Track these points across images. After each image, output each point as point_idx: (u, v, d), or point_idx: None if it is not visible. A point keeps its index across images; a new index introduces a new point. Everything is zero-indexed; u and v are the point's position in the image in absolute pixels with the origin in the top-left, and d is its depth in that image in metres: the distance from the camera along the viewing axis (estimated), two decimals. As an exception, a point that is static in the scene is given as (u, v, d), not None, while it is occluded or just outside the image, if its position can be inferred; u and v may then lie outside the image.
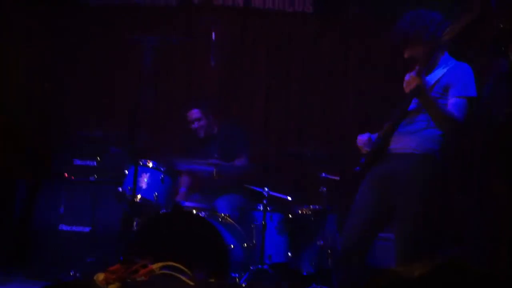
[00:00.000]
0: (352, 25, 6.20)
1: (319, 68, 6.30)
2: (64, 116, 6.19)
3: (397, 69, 4.35)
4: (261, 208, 4.81)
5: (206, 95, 6.20)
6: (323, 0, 6.23)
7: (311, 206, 5.03)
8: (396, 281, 1.63)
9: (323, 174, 5.03)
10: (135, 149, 4.69)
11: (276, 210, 4.91)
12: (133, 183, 4.32)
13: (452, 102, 3.31)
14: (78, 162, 5.36)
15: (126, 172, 4.75)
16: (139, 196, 4.61)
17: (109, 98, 6.35)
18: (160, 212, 4.66)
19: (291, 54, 6.35)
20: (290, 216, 4.97)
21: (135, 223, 4.68)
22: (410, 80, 3.27)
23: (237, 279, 4.32)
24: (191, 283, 3.41)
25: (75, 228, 5.16)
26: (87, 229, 5.12)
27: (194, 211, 4.62)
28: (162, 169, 4.74)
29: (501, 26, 4.11)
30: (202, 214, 4.56)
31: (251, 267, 4.58)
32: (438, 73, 3.41)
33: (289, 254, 4.86)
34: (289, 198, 4.94)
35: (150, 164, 4.74)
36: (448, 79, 3.37)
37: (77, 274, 4.63)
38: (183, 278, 3.40)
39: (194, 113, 5.45)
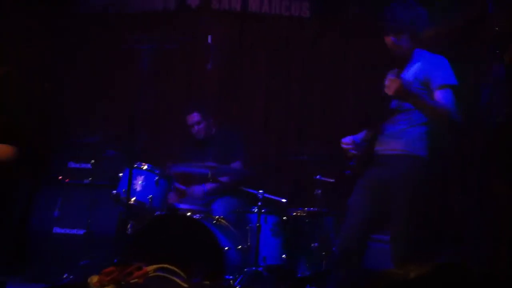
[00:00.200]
0: (352, 25, 6.17)
1: (319, 68, 6.29)
2: (64, 116, 6.23)
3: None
4: (256, 210, 4.81)
5: (206, 96, 6.22)
6: (320, 5, 6.21)
7: (306, 209, 5.02)
8: (395, 283, 1.63)
9: (318, 177, 5.03)
10: (133, 151, 4.69)
11: (271, 212, 4.91)
12: (128, 186, 4.32)
13: (437, 94, 3.32)
14: (72, 165, 5.39)
15: (121, 175, 4.76)
16: (133, 199, 4.60)
17: (108, 98, 6.37)
18: (155, 215, 4.66)
19: (290, 55, 6.34)
20: (285, 218, 4.96)
21: (129, 225, 4.69)
22: (390, 83, 3.26)
23: (231, 281, 4.33)
24: (186, 286, 3.44)
25: (69, 231, 5.18)
26: (81, 232, 5.13)
27: (189, 214, 4.64)
28: (156, 171, 4.74)
29: (497, 29, 4.10)
30: (196, 216, 4.57)
31: (245, 269, 4.57)
32: (414, 69, 3.41)
33: (284, 256, 4.85)
34: (284, 200, 4.95)
35: (145, 167, 4.74)
36: (426, 72, 3.38)
37: (71, 277, 4.62)
38: (178, 280, 3.42)
39: (194, 117, 5.47)
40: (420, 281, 1.61)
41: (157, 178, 4.72)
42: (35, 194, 5.34)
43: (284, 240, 4.90)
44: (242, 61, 6.43)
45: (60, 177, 5.35)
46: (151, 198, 4.66)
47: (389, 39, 3.47)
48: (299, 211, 5.04)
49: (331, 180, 4.99)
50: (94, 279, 3.40)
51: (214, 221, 4.70)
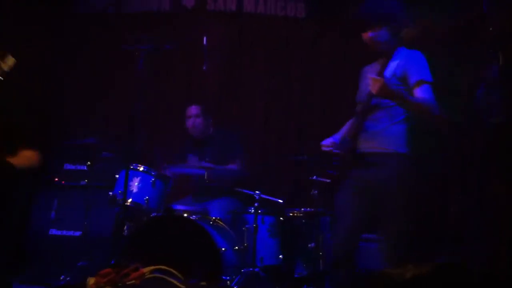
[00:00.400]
0: (352, 25, 6.14)
1: (318, 68, 6.28)
2: (64, 116, 6.24)
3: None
4: (253, 211, 4.81)
5: (206, 96, 6.22)
6: (315, 5, 6.20)
7: (303, 209, 5.03)
8: (393, 283, 1.64)
9: (315, 177, 5.02)
10: (129, 152, 4.69)
11: (267, 212, 4.91)
12: (124, 187, 4.31)
13: (417, 90, 3.33)
14: (68, 166, 5.40)
15: (117, 176, 4.76)
16: (130, 200, 4.61)
17: (108, 98, 6.38)
18: (151, 216, 4.66)
19: (290, 55, 6.33)
20: (282, 218, 4.97)
21: (126, 227, 4.70)
22: (373, 82, 3.25)
23: (228, 282, 4.32)
24: (183, 287, 3.45)
25: (65, 233, 5.20)
26: (78, 234, 5.15)
27: (185, 215, 4.64)
28: (153, 173, 4.74)
29: (491, 29, 4.09)
30: (193, 217, 4.57)
31: (242, 270, 4.58)
32: (392, 65, 3.40)
33: (281, 256, 4.86)
34: (280, 201, 4.95)
35: (141, 168, 4.74)
36: (403, 69, 3.40)
37: (68, 278, 4.62)
38: (174, 281, 3.44)
39: (193, 109, 5.48)
40: (420, 281, 1.60)
41: (153, 179, 4.72)
42: (35, 194, 5.35)
43: (281, 241, 4.91)
44: (242, 61, 6.42)
45: (56, 179, 5.36)
46: (147, 199, 4.66)
47: (367, 36, 3.46)
48: (296, 211, 5.04)
49: (327, 181, 4.98)
50: (91, 281, 3.42)
51: (211, 222, 4.70)
